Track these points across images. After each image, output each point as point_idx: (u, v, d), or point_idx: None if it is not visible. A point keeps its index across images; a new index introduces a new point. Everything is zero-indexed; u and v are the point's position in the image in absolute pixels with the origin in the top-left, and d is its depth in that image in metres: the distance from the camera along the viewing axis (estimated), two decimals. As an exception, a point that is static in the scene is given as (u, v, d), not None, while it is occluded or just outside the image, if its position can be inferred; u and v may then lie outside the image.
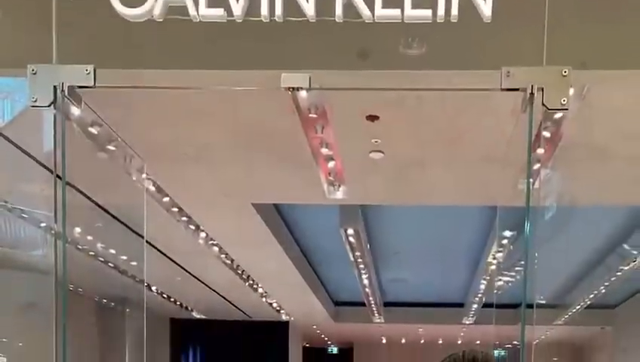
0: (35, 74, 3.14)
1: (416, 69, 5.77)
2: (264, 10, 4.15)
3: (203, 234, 12.38)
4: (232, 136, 8.22)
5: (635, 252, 13.25)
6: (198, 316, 20.93)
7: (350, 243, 12.89)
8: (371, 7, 4.15)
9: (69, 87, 3.16)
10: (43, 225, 9.17)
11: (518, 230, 11.87)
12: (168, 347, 21.98)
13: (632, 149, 8.28)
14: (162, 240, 12.84)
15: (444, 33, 5.51)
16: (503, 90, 3.00)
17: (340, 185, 9.65)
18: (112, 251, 13.26)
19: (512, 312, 15.05)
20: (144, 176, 8.70)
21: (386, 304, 20.69)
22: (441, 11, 4.13)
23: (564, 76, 2.97)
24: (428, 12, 4.12)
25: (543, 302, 15.75)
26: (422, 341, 24.77)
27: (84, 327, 16.92)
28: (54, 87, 3.14)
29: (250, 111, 7.47)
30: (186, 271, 15.47)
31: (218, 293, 17.85)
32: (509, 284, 14.93)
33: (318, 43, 5.63)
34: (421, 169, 9.19)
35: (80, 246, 12.56)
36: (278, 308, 19.52)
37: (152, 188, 9.91)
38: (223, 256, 13.79)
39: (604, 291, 16.23)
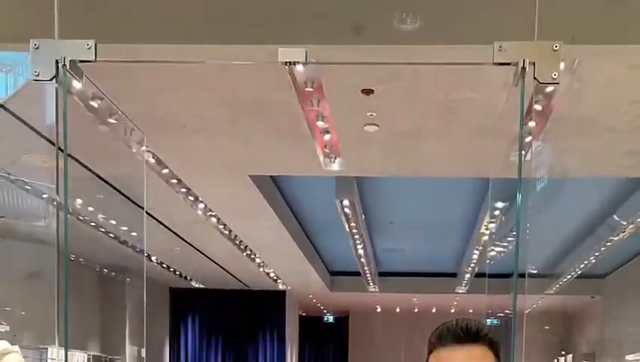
0: (37, 48, 3.14)
1: (411, 43, 5.79)
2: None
3: (202, 205, 12.39)
4: (231, 109, 8.24)
5: (624, 223, 13.27)
6: (197, 285, 20.96)
7: (346, 213, 12.91)
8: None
9: (70, 61, 3.15)
10: (45, 196, 9.19)
11: (510, 201, 11.90)
12: (168, 315, 22.05)
13: (620, 122, 8.30)
14: (162, 211, 12.87)
15: (437, 9, 5.53)
16: (495, 64, 3.01)
17: (335, 158, 9.66)
18: (113, 222, 13.29)
19: (504, 281, 15.01)
20: (144, 148, 8.72)
21: (381, 273, 20.72)
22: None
23: (555, 51, 2.98)
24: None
25: (535, 271, 15.78)
26: (416, 310, 24.80)
27: (85, 296, 16.98)
28: (56, 61, 3.14)
29: (249, 85, 7.48)
30: (185, 241, 15.50)
31: (216, 263, 17.89)
32: (501, 254, 14.97)
33: (314, 19, 5.65)
34: (415, 141, 9.21)
35: (81, 217, 12.59)
36: (275, 278, 19.56)
37: (152, 160, 9.92)
38: (221, 226, 13.81)
39: (594, 261, 16.27)
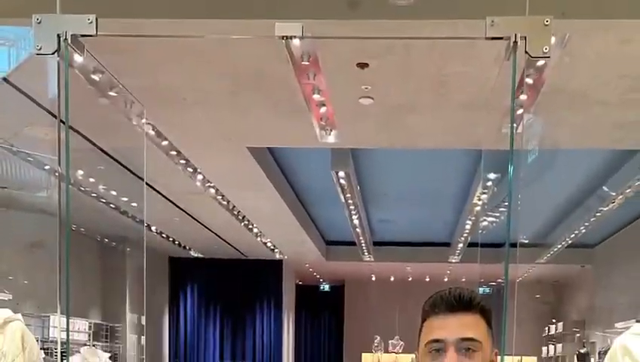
0: (39, 23, 3.14)
1: (404, 18, 5.80)
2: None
3: (200, 177, 12.41)
4: (230, 82, 8.25)
5: (613, 194, 13.30)
6: (196, 255, 21.01)
7: (341, 185, 12.93)
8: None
9: (72, 35, 3.16)
10: (47, 167, 9.21)
11: (502, 172, 11.93)
12: (167, 284, 22.11)
13: (611, 95, 8.33)
14: (161, 182, 12.89)
15: (431, -16, 5.54)
16: (487, 38, 3.02)
17: (331, 130, 9.69)
18: (114, 193, 13.30)
19: (496, 251, 15.15)
20: (144, 120, 8.74)
21: (376, 243, 20.76)
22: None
23: (546, 25, 2.99)
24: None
25: (526, 241, 15.84)
26: (410, 278, 24.86)
27: (86, 265, 17.02)
28: (58, 35, 3.14)
29: (247, 59, 7.50)
30: (184, 211, 15.52)
31: (215, 233, 17.93)
32: (494, 224, 15.02)
33: (310, -6, 5.67)
34: (409, 114, 9.22)
35: (83, 188, 12.61)
36: (272, 248, 19.61)
37: (152, 133, 9.93)
38: (219, 197, 13.83)
39: (584, 231, 16.31)
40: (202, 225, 16.94)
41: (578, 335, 20.64)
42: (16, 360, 5.79)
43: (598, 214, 14.72)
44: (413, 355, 2.43)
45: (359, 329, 25.85)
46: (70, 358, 10.50)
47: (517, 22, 3.01)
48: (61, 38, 3.12)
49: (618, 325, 12.78)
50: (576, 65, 7.33)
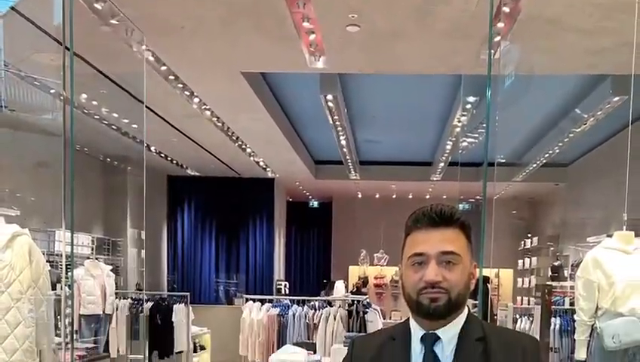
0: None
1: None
2: None
3: (197, 100, 12.46)
4: (225, 10, 8.30)
5: (585, 116, 13.40)
6: (193, 173, 21.06)
7: (329, 108, 12.99)
8: None
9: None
10: (52, 91, 9.25)
11: (480, 96, 11.99)
12: (165, 201, 22.22)
13: (585, 23, 8.40)
14: (160, 105, 12.95)
15: None
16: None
17: (320, 56, 9.78)
18: (115, 115, 13.38)
19: (475, 170, 15.28)
20: (144, 47, 8.79)
21: (362, 162, 20.83)
22: None
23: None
24: None
25: (503, 160, 15.94)
26: (394, 196, 24.90)
27: (89, 183, 17.13)
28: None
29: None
30: (182, 132, 15.58)
31: (210, 153, 17.98)
32: (473, 145, 15.10)
33: None
34: (394, 41, 9.29)
35: (86, 111, 12.68)
36: (264, 167, 19.67)
37: (151, 59, 10.00)
38: (214, 119, 13.88)
39: (557, 151, 16.40)
40: (199, 145, 17.00)
41: (552, 248, 20.82)
42: (23, 273, 5.88)
43: (571, 135, 14.82)
44: (397, 268, 2.46)
45: (346, 244, 25.98)
46: (74, 270, 10.66)
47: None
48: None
49: (590, 239, 12.94)
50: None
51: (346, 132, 15.53)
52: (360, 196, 25.43)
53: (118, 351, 11.93)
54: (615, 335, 5.51)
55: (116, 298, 12.38)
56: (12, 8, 7.23)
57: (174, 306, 13.32)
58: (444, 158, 18.14)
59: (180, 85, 11.48)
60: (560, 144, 15.83)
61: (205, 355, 15.69)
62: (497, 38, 7.84)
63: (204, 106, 12.96)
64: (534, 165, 18.12)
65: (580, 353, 5.80)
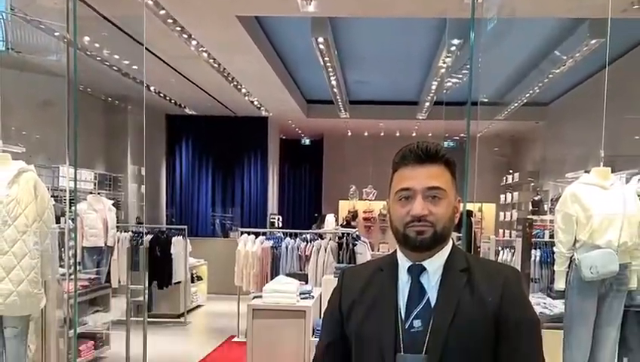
0: None
1: None
2: None
3: (194, 42, 12.44)
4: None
5: (564, 57, 13.42)
6: (190, 112, 21.04)
7: (320, 50, 12.97)
8: None
9: None
10: (57, 34, 9.21)
11: (464, 38, 11.99)
12: (164, 139, 22.21)
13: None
14: (159, 47, 12.93)
15: None
16: None
17: (311, 0, 9.74)
18: (116, 56, 13.35)
19: (460, 109, 15.24)
20: (143, -8, 8.76)
21: (351, 102, 20.81)
22: None
23: None
24: None
25: (486, 100, 15.93)
26: (382, 133, 24.84)
27: (92, 122, 17.13)
28: None
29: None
30: (180, 73, 15.56)
31: (207, 93, 17.95)
32: (457, 85, 15.12)
33: None
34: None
35: (89, 53, 12.65)
36: (258, 106, 19.64)
37: (150, 3, 9.97)
38: (211, 60, 13.86)
39: (538, 91, 16.43)
40: (196, 85, 16.98)
41: (533, 184, 20.88)
42: (29, 207, 5.93)
43: (550, 76, 14.84)
44: (385, 202, 2.50)
45: (336, 179, 26.04)
46: (77, 205, 10.71)
47: None
48: None
49: (568, 175, 13.01)
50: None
51: (336, 73, 15.53)
52: (350, 134, 25.42)
53: (119, 281, 12.05)
54: (592, 267, 5.58)
55: (117, 231, 12.46)
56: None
57: (173, 239, 13.45)
58: (429, 98, 18.15)
59: (178, 28, 11.46)
60: (540, 84, 15.86)
61: (202, 285, 15.88)
62: (481, -16, 7.82)
63: (201, 48, 12.94)
64: (516, 104, 18.15)
65: (559, 283, 5.88)
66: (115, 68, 13.96)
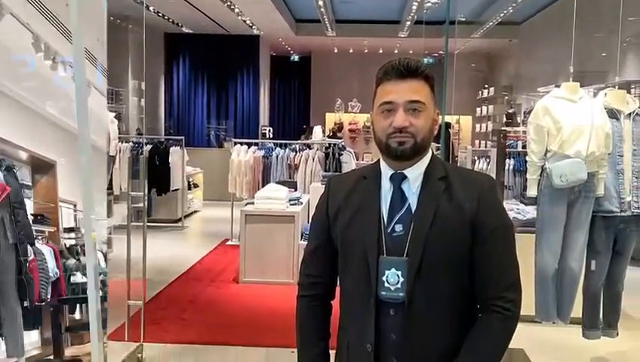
0: None
1: None
2: None
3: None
4: None
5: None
6: (187, 31, 20.91)
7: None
8: None
9: None
10: None
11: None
12: (163, 56, 22.08)
13: None
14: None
15: None
16: None
17: None
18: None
19: (439, 27, 15.22)
20: None
21: (338, 21, 20.71)
22: None
23: None
24: None
25: (463, 19, 15.85)
26: (366, 50, 24.76)
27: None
28: None
29: None
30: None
31: (203, 12, 17.81)
32: (436, 5, 15.01)
33: None
34: None
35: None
36: (250, 24, 19.52)
37: None
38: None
39: (511, 10, 16.35)
40: (192, 5, 16.82)
41: (507, 97, 20.88)
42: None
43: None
44: (369, 115, 2.52)
45: (323, 93, 26.02)
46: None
47: None
48: None
49: (540, 89, 13.01)
50: None
51: (324, -7, 15.36)
52: (336, 51, 25.34)
53: (120, 188, 12.10)
54: (562, 175, 5.60)
55: (119, 141, 12.43)
56: None
57: (171, 149, 13.44)
58: (410, 17, 18.07)
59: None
60: (514, 4, 15.80)
61: (198, 192, 15.95)
62: None
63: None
64: (491, 23, 18.10)
65: (531, 190, 5.90)
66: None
